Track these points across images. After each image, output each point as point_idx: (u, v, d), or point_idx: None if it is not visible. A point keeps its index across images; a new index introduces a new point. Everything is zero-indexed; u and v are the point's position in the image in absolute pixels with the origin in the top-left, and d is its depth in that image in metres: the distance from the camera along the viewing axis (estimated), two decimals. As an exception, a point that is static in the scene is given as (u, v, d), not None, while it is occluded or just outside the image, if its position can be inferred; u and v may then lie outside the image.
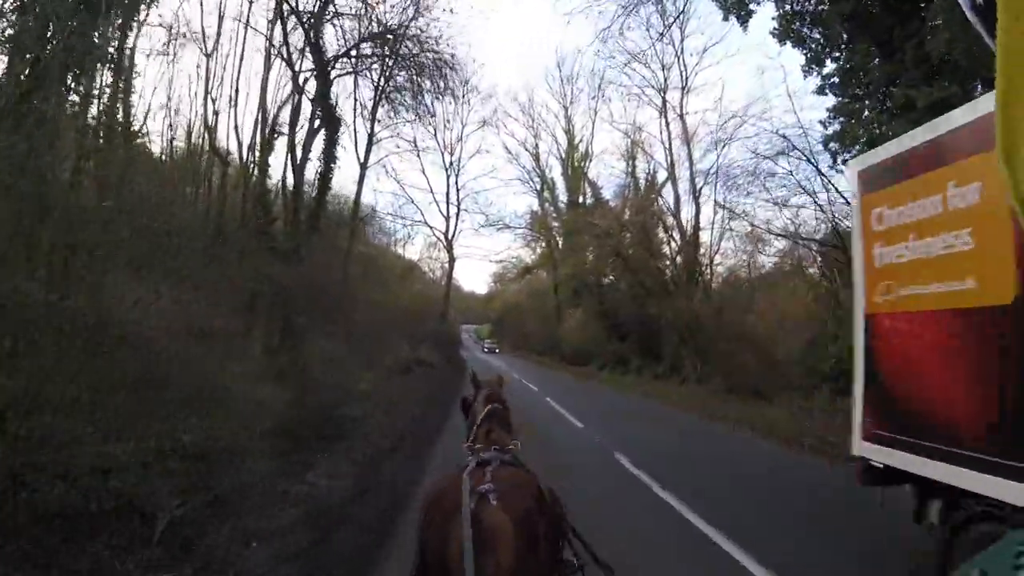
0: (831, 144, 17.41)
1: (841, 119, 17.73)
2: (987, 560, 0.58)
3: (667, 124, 31.71)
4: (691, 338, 24.63)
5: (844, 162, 17.88)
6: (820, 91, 17.89)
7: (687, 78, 30.98)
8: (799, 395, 16.50)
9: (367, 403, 12.07)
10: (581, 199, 42.82)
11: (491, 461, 2.77)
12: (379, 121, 23.55)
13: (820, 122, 18.08)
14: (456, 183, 38.10)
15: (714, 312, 21.60)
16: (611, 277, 36.08)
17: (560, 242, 46.01)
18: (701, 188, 29.02)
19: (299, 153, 14.35)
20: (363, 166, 21.17)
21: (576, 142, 44.84)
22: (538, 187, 46.81)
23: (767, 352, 18.77)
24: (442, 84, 23.55)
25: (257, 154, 15.20)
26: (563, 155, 45.35)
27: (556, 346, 43.68)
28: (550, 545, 2.64)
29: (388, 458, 9.05)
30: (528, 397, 21.39)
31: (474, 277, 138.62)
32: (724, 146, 27.29)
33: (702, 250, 28.05)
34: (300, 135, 14.95)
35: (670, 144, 31.39)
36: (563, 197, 45.79)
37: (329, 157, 14.10)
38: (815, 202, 18.73)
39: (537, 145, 45.85)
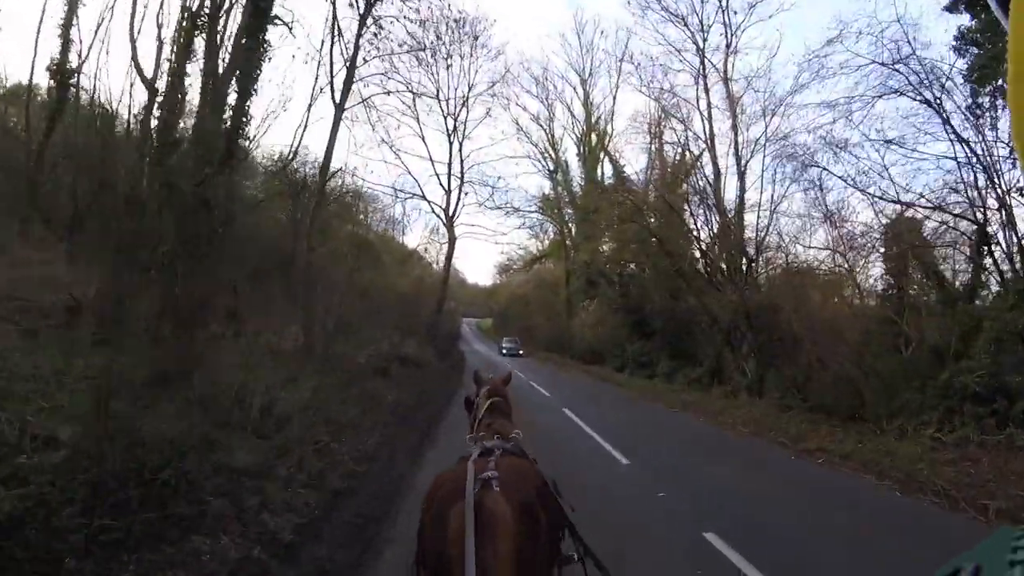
0: (973, 76, 12.69)
1: (976, 50, 13.05)
2: (981, 554, 0.51)
3: (706, 89, 26.95)
4: (742, 338, 20.00)
5: (980, 107, 13.29)
6: (951, 7, 13.20)
7: (731, 36, 26.28)
8: (914, 420, 11.96)
9: (291, 431, 7.41)
10: (600, 177, 38.14)
11: (494, 449, 2.77)
12: (365, 62, 18.74)
13: (953, 48, 13.31)
14: (460, 152, 33.11)
15: (792, 303, 16.83)
16: (632, 266, 31.38)
17: (573, 229, 41.36)
18: (747, 162, 24.39)
19: (225, 55, 9.67)
20: (339, 107, 16.51)
21: (595, 119, 40.15)
22: (551, 167, 42.00)
23: (860, 358, 14.09)
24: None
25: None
26: (580, 132, 40.65)
27: (566, 343, 39.00)
28: (550, 535, 2.57)
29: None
30: (541, 406, 16.79)
31: (478, 270, 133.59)
32: (774, 114, 22.74)
33: (747, 234, 23.38)
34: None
35: (709, 112, 26.57)
36: (578, 180, 41.11)
37: (253, 48, 9.32)
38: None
39: (552, 120, 41.03)
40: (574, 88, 40.80)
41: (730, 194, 24.73)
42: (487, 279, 75.75)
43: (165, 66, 11.29)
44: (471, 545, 2.05)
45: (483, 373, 3.99)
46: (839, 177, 16.90)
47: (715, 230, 24.16)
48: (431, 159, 32.67)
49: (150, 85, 12.37)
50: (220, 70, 10.59)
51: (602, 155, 38.77)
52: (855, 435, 12.05)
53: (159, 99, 11.69)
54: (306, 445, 7.07)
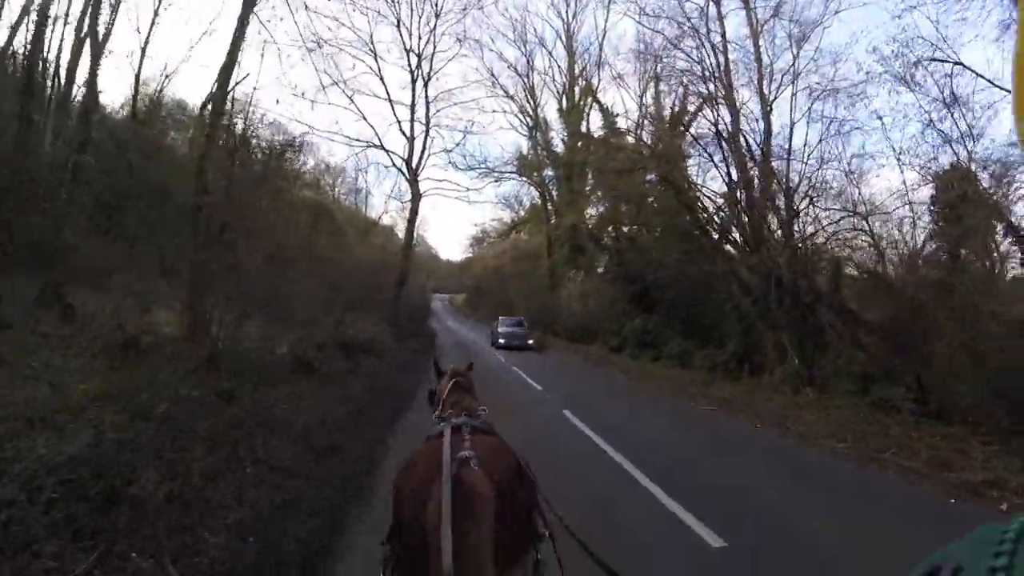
0: None
1: None
2: (963, 552, 0.49)
3: (720, 18, 22.04)
4: (791, 314, 15.65)
5: None
6: None
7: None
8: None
9: None
10: (585, 128, 33.33)
11: (463, 426, 2.67)
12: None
13: None
14: (426, 93, 27.98)
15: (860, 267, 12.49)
16: (627, 229, 26.83)
17: (555, 192, 36.50)
18: (773, 101, 19.78)
19: None
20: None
21: (580, 69, 35.14)
22: (529, 123, 36.94)
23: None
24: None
25: None
26: (563, 83, 35.67)
27: (550, 319, 34.34)
28: (526, 514, 2.53)
29: None
30: (532, 406, 12.35)
31: (452, 245, 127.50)
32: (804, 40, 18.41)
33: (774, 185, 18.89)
34: None
35: (724, 44, 21.64)
36: (560, 138, 36.24)
37: None
38: None
39: (531, 70, 35.92)
40: (556, 32, 35.82)
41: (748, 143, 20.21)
42: (461, 255, 70.42)
43: None
44: (447, 525, 1.94)
45: (443, 363, 3.82)
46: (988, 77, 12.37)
47: (734, 179, 19.60)
48: (390, 100, 27.34)
49: None
50: None
51: (588, 108, 33.97)
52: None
53: None
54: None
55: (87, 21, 15.66)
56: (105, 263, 13.22)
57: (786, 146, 18.11)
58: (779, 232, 17.68)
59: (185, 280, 10.13)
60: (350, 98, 25.89)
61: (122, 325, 9.03)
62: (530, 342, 27.67)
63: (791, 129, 18.37)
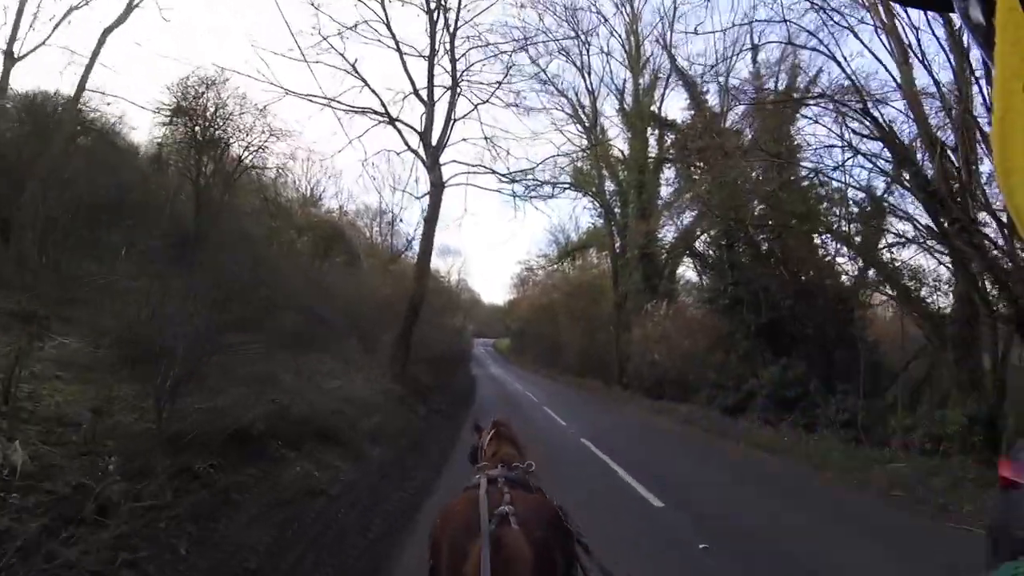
0: None
1: None
2: None
3: None
4: None
5: None
6: None
7: None
8: None
9: None
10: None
11: (498, 479, 2.62)
12: None
13: None
14: (452, 44, 18.36)
15: None
16: (746, 231, 18.37)
17: (618, 210, 28.65)
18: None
19: None
20: None
21: (643, 59, 27.80)
22: (586, 125, 29.47)
23: None
24: None
25: None
26: (625, 69, 28.33)
27: (614, 366, 26.14)
28: (564, 568, 2.41)
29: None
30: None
31: (495, 291, 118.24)
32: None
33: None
34: None
35: None
36: (624, 139, 28.89)
37: None
38: None
39: (587, 53, 28.51)
40: (617, 4, 28.26)
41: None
42: (505, 299, 62.65)
43: None
44: None
45: (482, 422, 3.76)
46: None
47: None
48: (400, 51, 17.57)
49: None
50: None
51: (660, 97, 26.74)
52: None
53: None
54: None
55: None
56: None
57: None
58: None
59: None
60: (353, 65, 17.26)
61: None
62: None
63: None
